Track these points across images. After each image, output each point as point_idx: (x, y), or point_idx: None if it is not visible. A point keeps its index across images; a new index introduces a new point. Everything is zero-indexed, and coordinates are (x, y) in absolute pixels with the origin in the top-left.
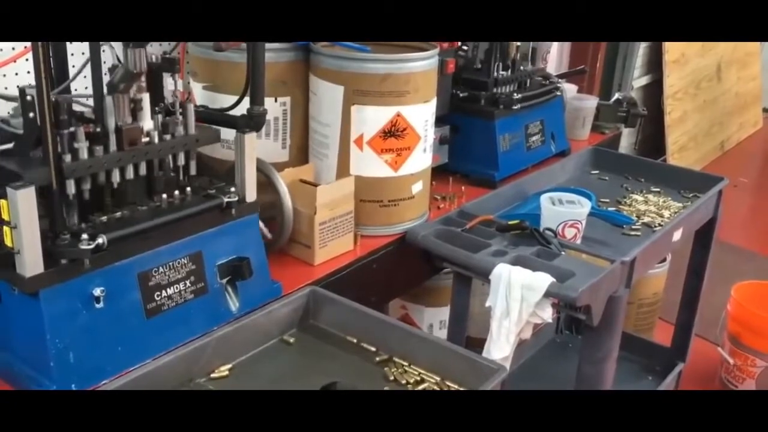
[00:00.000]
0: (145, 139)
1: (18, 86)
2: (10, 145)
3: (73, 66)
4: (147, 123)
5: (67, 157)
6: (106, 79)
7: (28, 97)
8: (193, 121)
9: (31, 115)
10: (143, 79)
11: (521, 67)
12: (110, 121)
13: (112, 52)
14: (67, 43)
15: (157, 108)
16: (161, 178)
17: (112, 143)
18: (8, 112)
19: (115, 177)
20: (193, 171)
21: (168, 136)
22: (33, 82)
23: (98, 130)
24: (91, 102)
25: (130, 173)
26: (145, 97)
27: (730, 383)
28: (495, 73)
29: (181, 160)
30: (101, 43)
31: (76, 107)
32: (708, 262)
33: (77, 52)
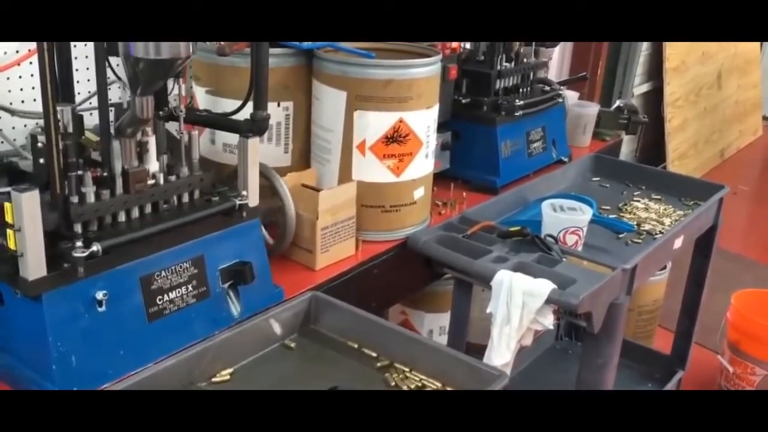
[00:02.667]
0: (150, 181)
1: (28, 134)
2: None
3: (79, 93)
4: (153, 165)
5: (75, 200)
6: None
7: (39, 144)
8: (197, 159)
9: (41, 160)
10: (149, 124)
11: (524, 60)
12: (117, 165)
13: (122, 93)
14: (72, 51)
15: (161, 112)
16: (165, 211)
17: (118, 186)
18: (21, 144)
19: (121, 218)
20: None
21: (173, 177)
22: (36, 86)
23: (105, 174)
24: (94, 112)
25: (135, 214)
26: (151, 140)
27: None
28: (498, 65)
29: (186, 198)
30: (110, 79)
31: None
32: (708, 269)
33: (83, 90)
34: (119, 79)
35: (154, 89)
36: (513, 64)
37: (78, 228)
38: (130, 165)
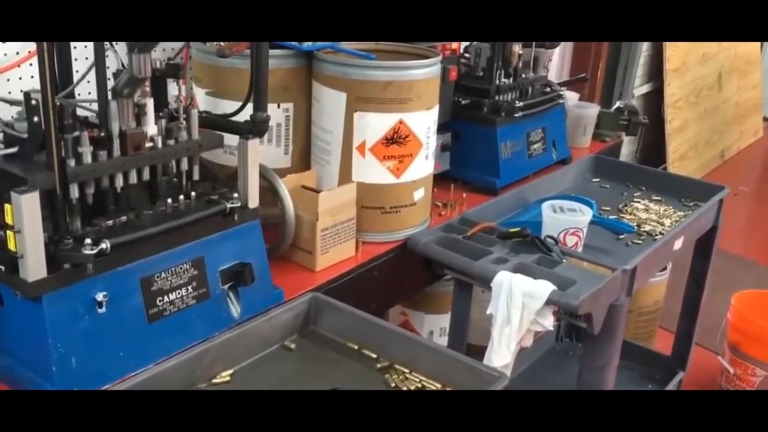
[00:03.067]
0: (148, 144)
1: (22, 90)
2: (14, 149)
3: (77, 71)
4: (151, 128)
5: (71, 162)
6: (110, 83)
7: (33, 101)
8: (196, 126)
9: (36, 119)
10: (147, 84)
11: (523, 75)
12: (114, 126)
13: (116, 57)
14: (72, 48)
15: (161, 113)
16: (164, 183)
17: (116, 148)
18: (12, 116)
19: (119, 182)
20: (196, 176)
21: (171, 141)
22: (37, 86)
23: (102, 134)
24: (94, 107)
25: (133, 178)
26: (149, 102)
27: None
28: (497, 81)
29: (185, 166)
30: (106, 47)
31: (80, 111)
32: (708, 270)
33: (81, 57)
34: (112, 45)
35: (152, 47)
36: (511, 79)
37: (75, 191)
38: (128, 126)
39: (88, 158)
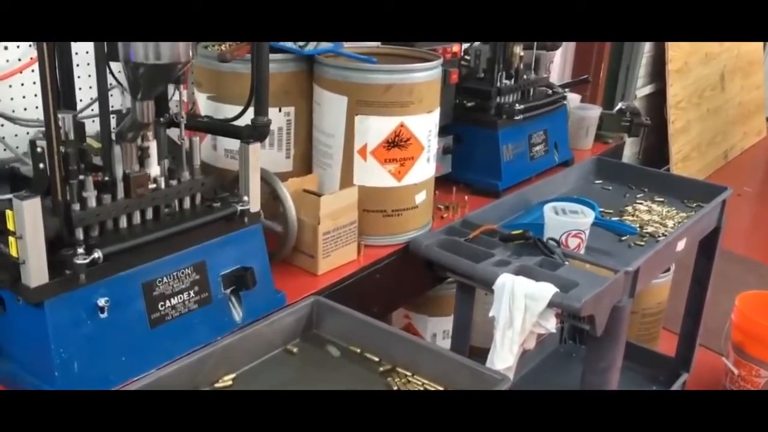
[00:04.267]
0: (152, 186)
1: (29, 140)
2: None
3: (81, 100)
4: (154, 169)
5: (76, 206)
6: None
7: (39, 149)
8: (198, 163)
9: (41, 166)
10: (150, 128)
11: (524, 76)
12: (118, 170)
13: (123, 99)
14: (73, 53)
15: (162, 119)
16: (167, 217)
17: (120, 190)
18: (23, 152)
19: (123, 223)
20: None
21: (174, 182)
22: (37, 94)
23: (107, 178)
24: (95, 120)
25: (137, 218)
26: (152, 145)
27: None
28: (498, 83)
29: (187, 204)
30: (111, 85)
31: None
32: (712, 271)
33: (83, 61)
34: (119, 84)
35: (154, 94)
36: (513, 81)
37: (80, 234)
38: (132, 169)
39: (92, 202)
